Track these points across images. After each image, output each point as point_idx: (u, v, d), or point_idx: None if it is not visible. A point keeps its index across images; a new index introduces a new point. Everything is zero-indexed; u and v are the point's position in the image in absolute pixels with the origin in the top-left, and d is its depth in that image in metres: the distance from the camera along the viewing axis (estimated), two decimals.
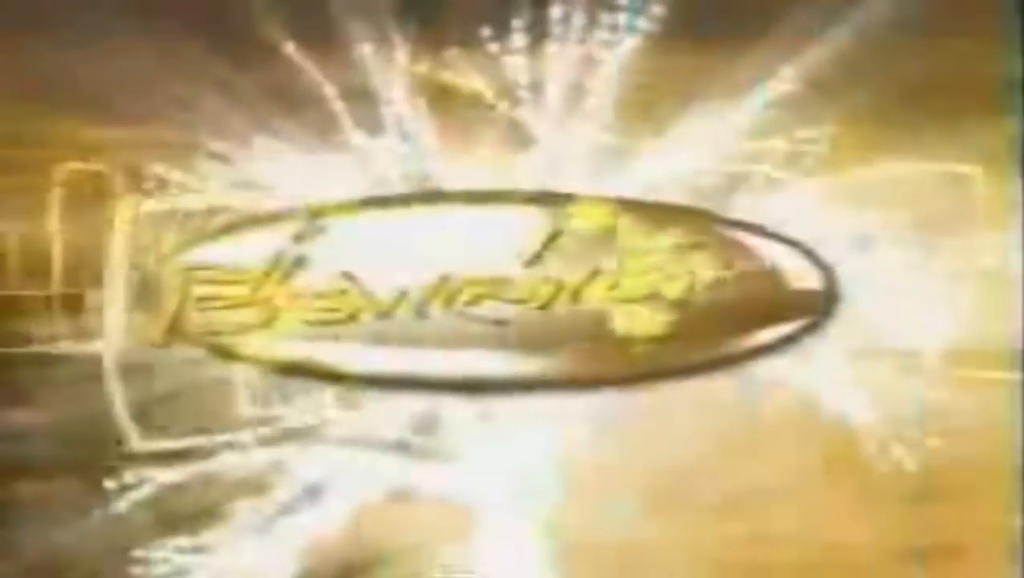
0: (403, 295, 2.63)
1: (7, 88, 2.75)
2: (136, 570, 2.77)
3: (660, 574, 2.81)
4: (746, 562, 2.86)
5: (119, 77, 2.63)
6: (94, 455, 2.78)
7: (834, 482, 2.82)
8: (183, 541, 2.79)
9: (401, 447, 2.82)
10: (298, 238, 2.63)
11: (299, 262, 2.63)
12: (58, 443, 2.84)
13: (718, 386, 2.73)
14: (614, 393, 2.74)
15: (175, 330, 2.64)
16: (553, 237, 2.67)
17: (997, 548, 2.87)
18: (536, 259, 2.66)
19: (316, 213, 2.64)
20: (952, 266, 2.80)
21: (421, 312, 2.63)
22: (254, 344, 2.65)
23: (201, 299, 2.64)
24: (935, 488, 2.84)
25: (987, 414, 2.82)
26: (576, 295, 2.66)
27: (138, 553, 2.78)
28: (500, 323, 2.66)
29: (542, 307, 2.67)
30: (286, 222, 2.65)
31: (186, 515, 2.80)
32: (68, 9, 2.71)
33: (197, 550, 2.80)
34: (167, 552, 2.78)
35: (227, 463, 2.78)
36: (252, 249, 2.65)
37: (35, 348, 2.84)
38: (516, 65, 2.72)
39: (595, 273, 2.66)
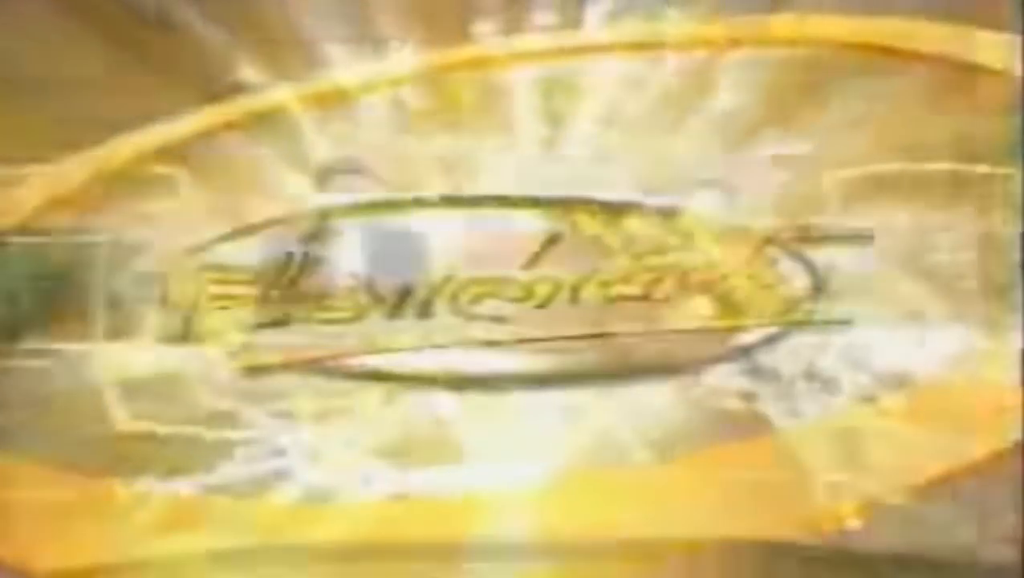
0: (408, 294, 2.74)
1: None
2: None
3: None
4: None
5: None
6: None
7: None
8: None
9: (406, 445, 2.87)
10: (307, 239, 2.73)
11: (309, 263, 2.73)
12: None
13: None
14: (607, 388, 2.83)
15: (189, 329, 2.73)
16: (551, 240, 2.78)
17: None
18: (535, 260, 2.77)
19: (324, 215, 2.75)
20: (951, 273, 2.85)
21: (426, 311, 2.74)
22: (263, 343, 2.74)
23: (214, 298, 2.73)
24: None
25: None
26: (574, 294, 2.78)
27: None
28: (501, 321, 2.77)
29: (540, 305, 2.78)
30: (295, 224, 2.75)
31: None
32: None
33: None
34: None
35: (231, 466, 2.82)
36: (263, 250, 2.75)
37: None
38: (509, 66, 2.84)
39: (592, 273, 2.78)
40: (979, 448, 2.67)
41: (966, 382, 2.72)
